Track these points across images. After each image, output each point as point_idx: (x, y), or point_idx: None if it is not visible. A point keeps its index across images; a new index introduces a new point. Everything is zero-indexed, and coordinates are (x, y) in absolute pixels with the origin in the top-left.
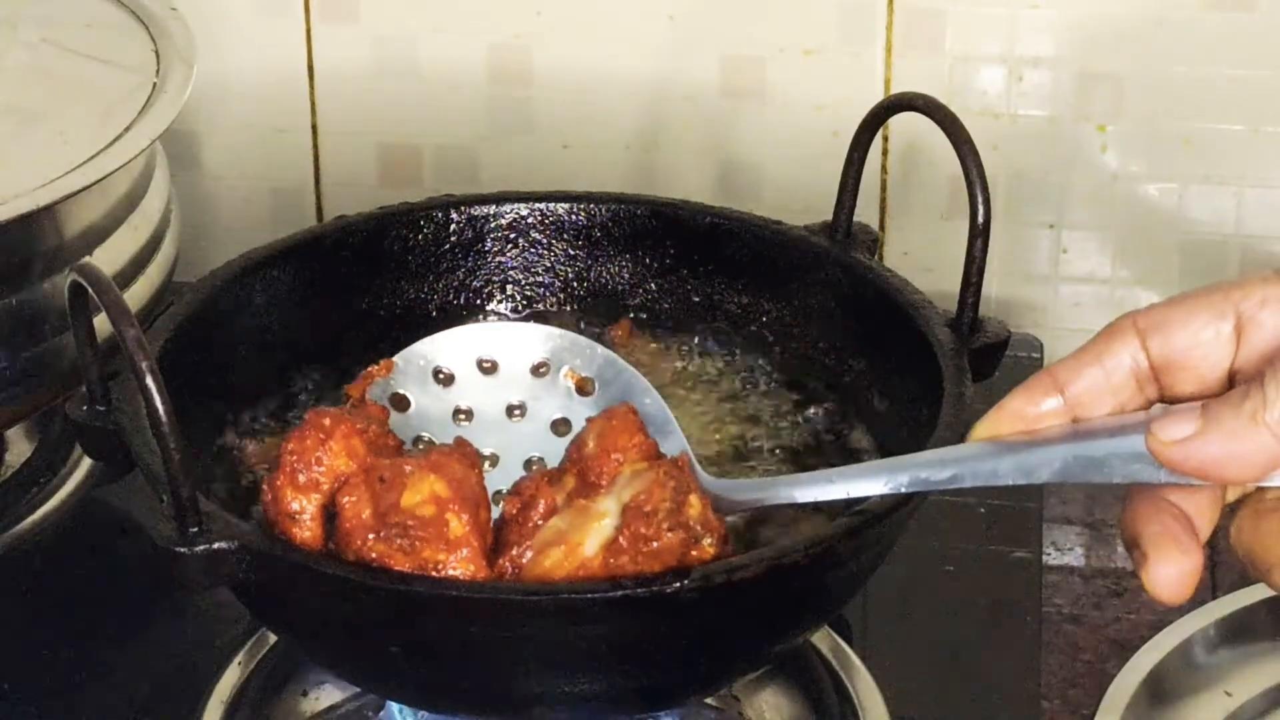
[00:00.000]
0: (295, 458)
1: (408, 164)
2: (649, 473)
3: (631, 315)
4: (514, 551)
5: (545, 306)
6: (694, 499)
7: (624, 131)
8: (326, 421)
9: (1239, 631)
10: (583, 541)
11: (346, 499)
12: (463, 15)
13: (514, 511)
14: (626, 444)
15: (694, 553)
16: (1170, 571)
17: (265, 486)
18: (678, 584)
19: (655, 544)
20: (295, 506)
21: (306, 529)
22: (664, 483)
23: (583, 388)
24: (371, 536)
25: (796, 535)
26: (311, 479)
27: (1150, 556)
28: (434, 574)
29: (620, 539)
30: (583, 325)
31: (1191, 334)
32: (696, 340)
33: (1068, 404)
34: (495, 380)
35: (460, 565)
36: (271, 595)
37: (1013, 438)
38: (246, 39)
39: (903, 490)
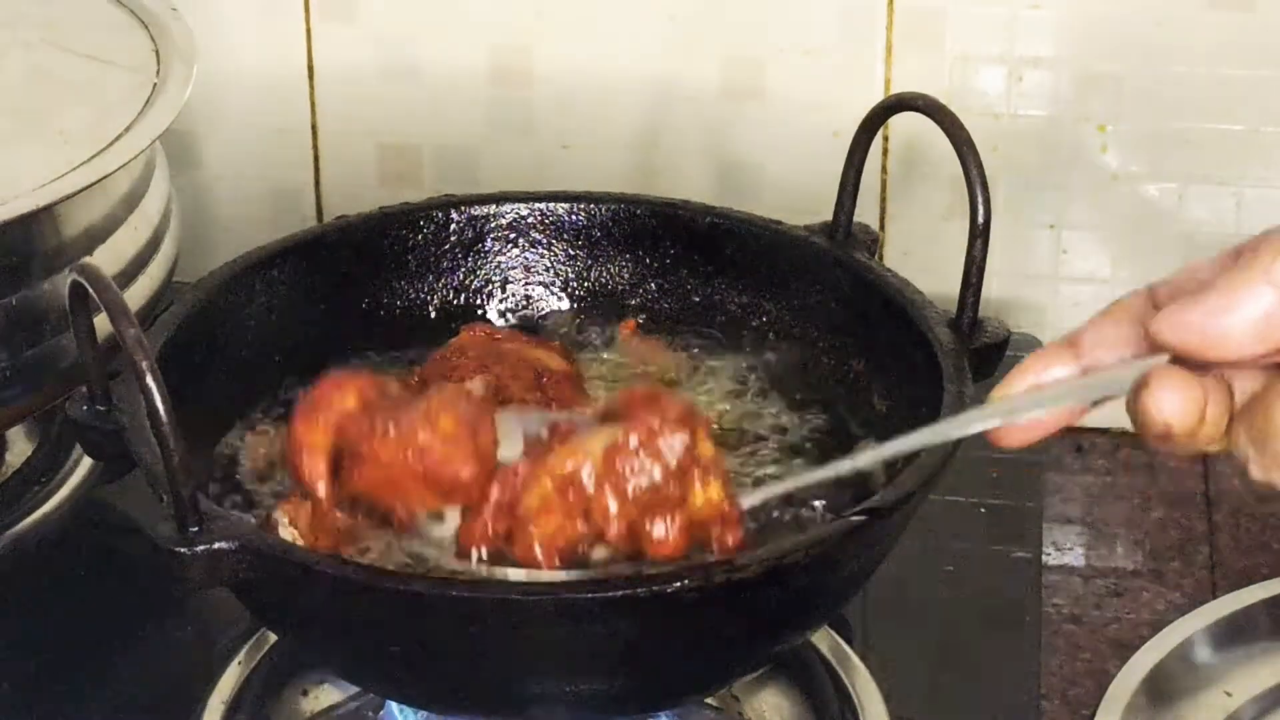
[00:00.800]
0: (309, 401)
1: (408, 164)
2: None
3: (635, 315)
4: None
5: (545, 306)
6: (707, 443)
7: (624, 131)
8: (341, 374)
9: (1239, 631)
10: (589, 444)
11: (352, 423)
12: (463, 15)
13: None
14: (654, 395)
15: (712, 532)
16: (1172, 394)
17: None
18: (678, 584)
19: (661, 443)
20: (310, 441)
21: (319, 465)
22: (678, 411)
23: None
24: (366, 432)
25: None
26: (324, 419)
27: (1153, 383)
28: (417, 460)
29: (629, 438)
30: (584, 320)
31: (1199, 281)
32: (696, 340)
33: (1081, 362)
34: None
35: (450, 458)
36: (271, 595)
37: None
38: (246, 39)
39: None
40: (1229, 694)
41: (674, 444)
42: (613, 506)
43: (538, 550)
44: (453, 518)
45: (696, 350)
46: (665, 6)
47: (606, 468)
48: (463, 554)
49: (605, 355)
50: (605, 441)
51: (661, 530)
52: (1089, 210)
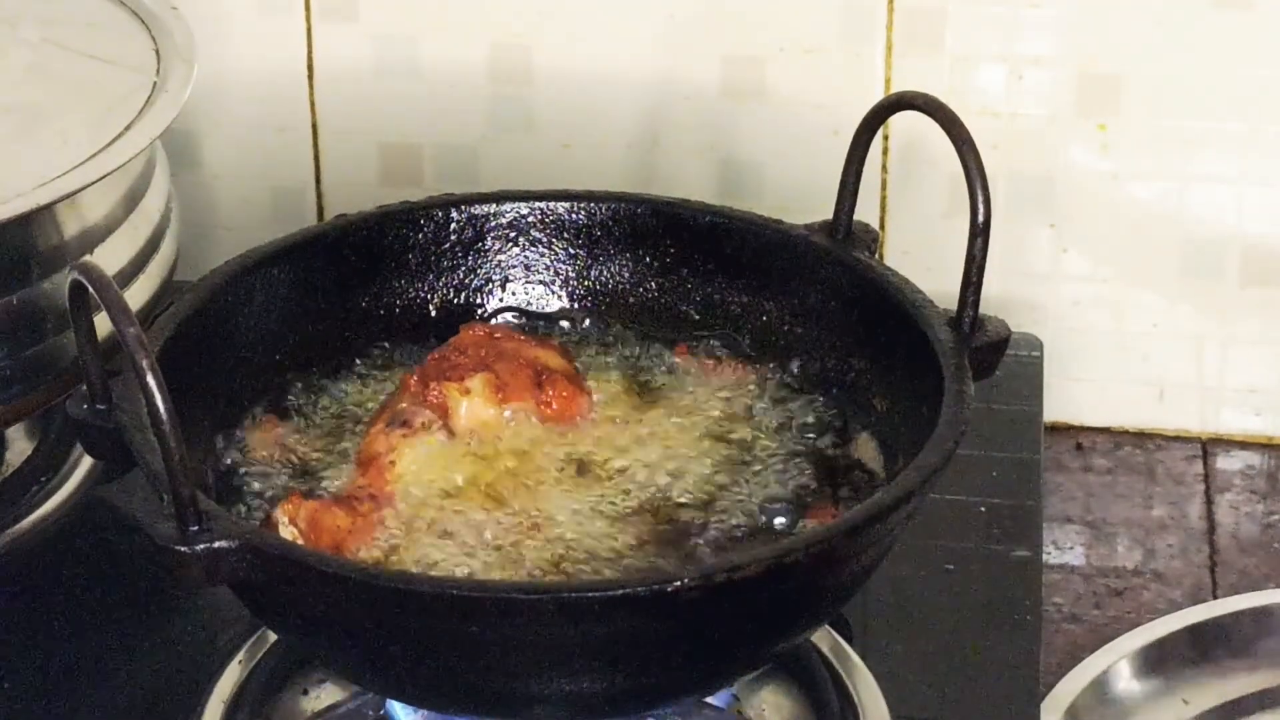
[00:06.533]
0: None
1: (408, 163)
2: None
3: (690, 340)
4: None
5: (545, 305)
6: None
7: (624, 131)
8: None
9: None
10: None
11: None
12: (463, 15)
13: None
14: None
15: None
16: None
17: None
18: (678, 584)
19: None
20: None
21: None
22: None
23: None
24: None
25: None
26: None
27: None
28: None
29: None
30: (641, 350)
31: None
32: (695, 341)
33: None
34: None
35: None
36: (271, 595)
37: None
38: (246, 39)
39: None
40: (1186, 701)
41: None
42: None
43: None
44: None
45: (706, 353)
46: (665, 6)
47: None
48: None
49: (666, 378)
50: None
51: None
52: (1089, 210)
